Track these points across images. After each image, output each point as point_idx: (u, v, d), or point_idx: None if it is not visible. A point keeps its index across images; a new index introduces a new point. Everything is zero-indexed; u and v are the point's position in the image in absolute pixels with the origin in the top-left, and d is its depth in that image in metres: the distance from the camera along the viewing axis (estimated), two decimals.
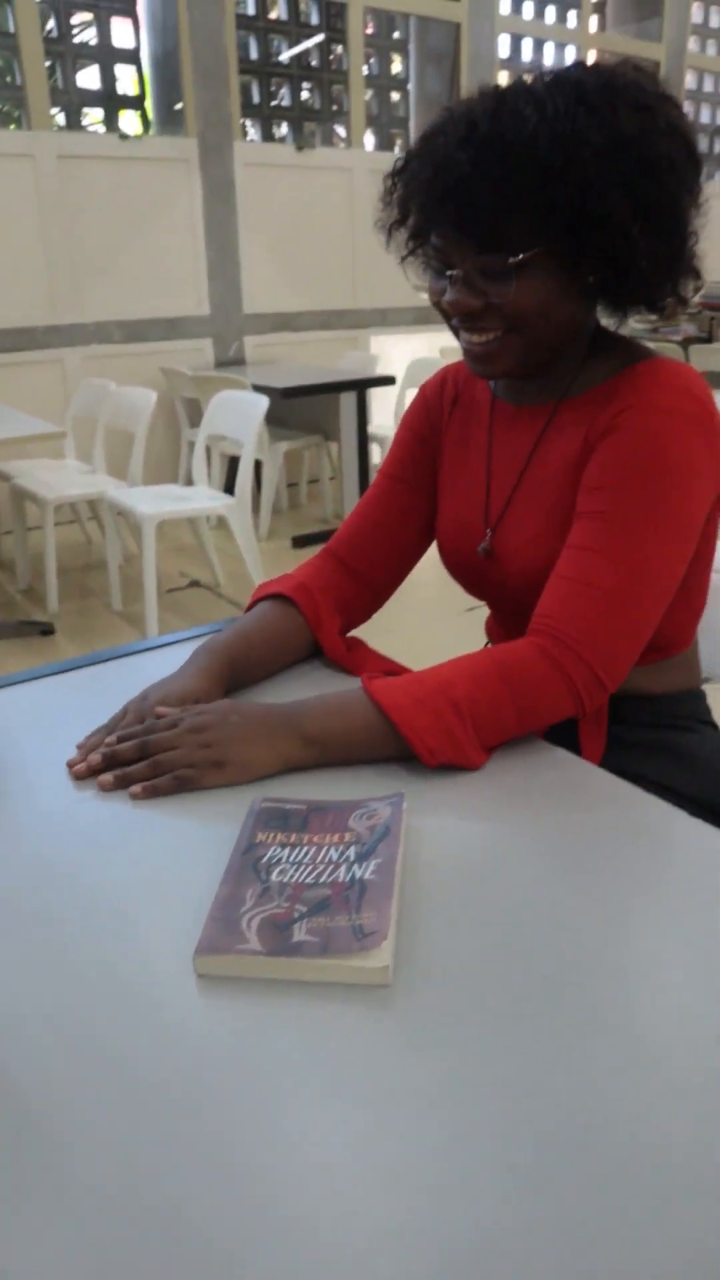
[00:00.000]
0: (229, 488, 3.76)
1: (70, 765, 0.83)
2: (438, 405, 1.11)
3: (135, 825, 0.77)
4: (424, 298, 0.96)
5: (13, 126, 5.38)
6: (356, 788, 0.80)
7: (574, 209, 0.82)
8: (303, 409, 4.51)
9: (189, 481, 4.72)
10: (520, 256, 0.85)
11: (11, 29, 4.80)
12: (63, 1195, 0.47)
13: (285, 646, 1.02)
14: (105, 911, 0.67)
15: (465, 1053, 0.54)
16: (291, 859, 0.68)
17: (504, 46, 6.30)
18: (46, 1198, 0.47)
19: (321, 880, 0.66)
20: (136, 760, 0.81)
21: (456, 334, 0.94)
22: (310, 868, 0.67)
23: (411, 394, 4.71)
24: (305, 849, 0.69)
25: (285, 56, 5.89)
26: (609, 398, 0.92)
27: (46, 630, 3.40)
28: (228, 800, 0.79)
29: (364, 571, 1.11)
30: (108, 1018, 0.58)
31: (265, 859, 0.68)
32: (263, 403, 3.26)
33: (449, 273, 0.89)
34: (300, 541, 4.37)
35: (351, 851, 0.69)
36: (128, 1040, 0.56)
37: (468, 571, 1.08)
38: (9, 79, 5.41)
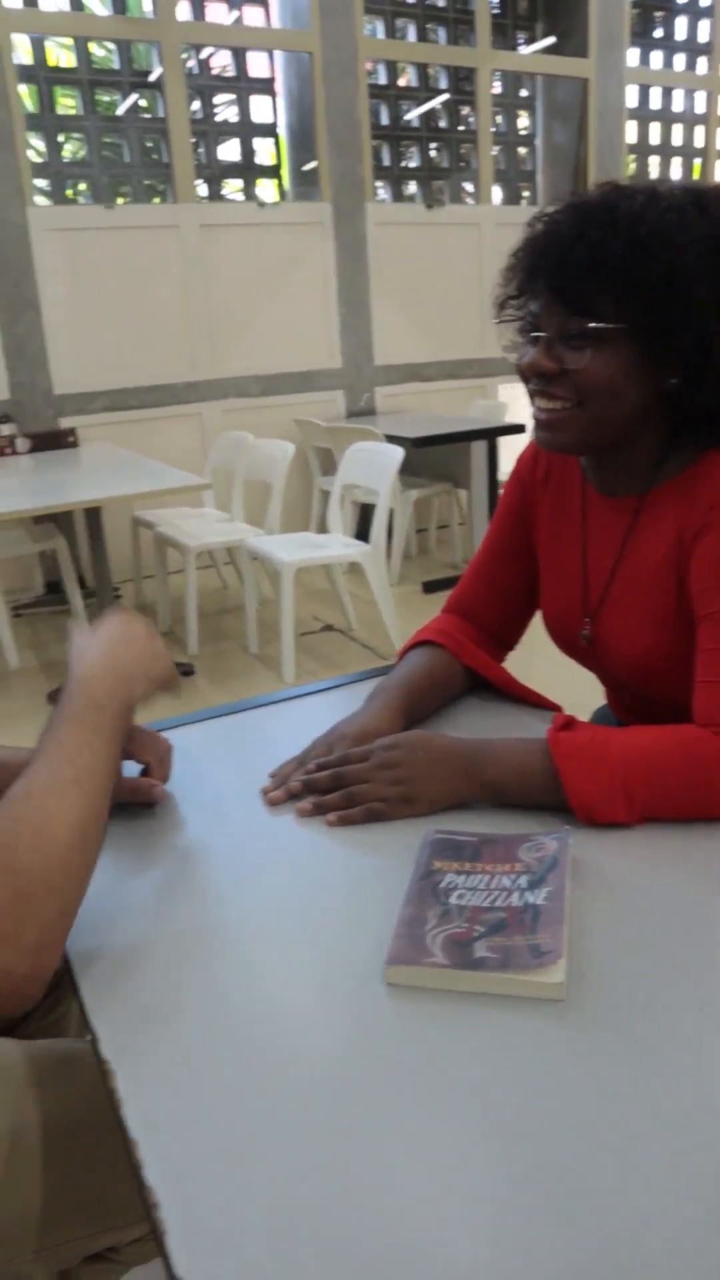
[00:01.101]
0: (359, 534, 3.88)
1: (265, 792, 0.93)
2: (530, 482, 1.15)
3: (320, 848, 0.85)
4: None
5: (156, 200, 5.74)
6: (515, 823, 0.86)
7: (660, 292, 0.87)
8: (432, 457, 4.63)
9: (320, 528, 4.87)
10: (601, 325, 0.89)
11: (162, 113, 5.16)
12: (255, 1172, 0.54)
13: (447, 684, 1.10)
14: (298, 925, 0.75)
15: (637, 1063, 0.59)
16: (467, 885, 0.75)
17: (631, 96, 6.37)
18: (241, 1173, 0.54)
19: (496, 905, 0.72)
20: (330, 789, 0.89)
21: (533, 400, 0.98)
22: (485, 893, 0.74)
23: None
24: (479, 876, 0.76)
25: (412, 116, 6.12)
26: (694, 489, 0.95)
27: (187, 671, 3.57)
28: (401, 828, 0.86)
29: (486, 625, 1.19)
30: (306, 1018, 0.65)
31: (443, 884, 0.75)
32: (398, 453, 3.37)
33: (535, 334, 0.95)
34: (430, 587, 4.46)
35: (523, 880, 0.75)
36: (324, 1039, 0.63)
37: (573, 651, 1.15)
38: (155, 156, 5.78)
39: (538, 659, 1.37)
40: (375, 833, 0.86)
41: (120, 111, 5.67)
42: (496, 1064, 0.60)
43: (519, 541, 1.17)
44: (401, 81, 6.35)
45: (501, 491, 1.20)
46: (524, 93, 6.60)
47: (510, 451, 4.86)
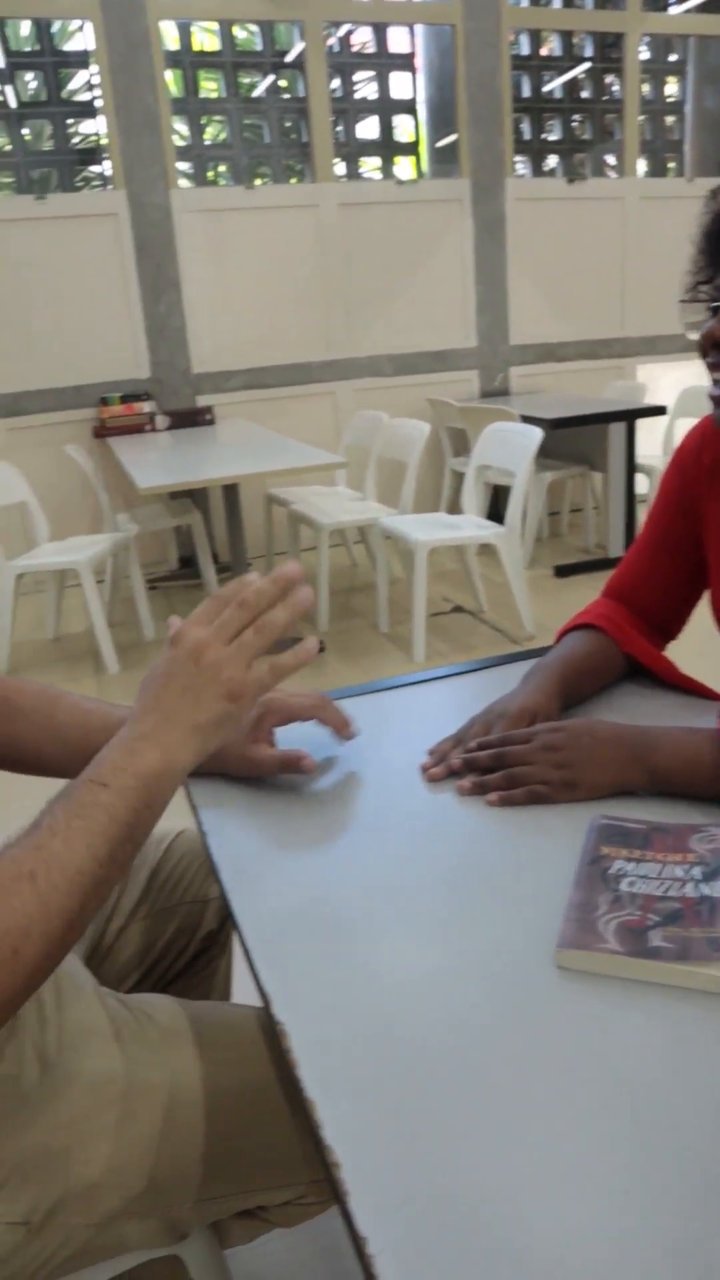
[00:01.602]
0: (490, 516, 3.84)
1: (425, 769, 0.93)
2: (695, 472, 1.09)
3: (481, 826, 0.84)
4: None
5: (293, 180, 5.78)
6: (679, 813, 0.83)
7: None
8: (568, 439, 4.53)
9: (450, 509, 4.85)
10: None
11: (302, 93, 5.18)
12: (425, 1141, 0.54)
13: (605, 669, 1.08)
14: (462, 900, 0.74)
15: None
16: (638, 872, 0.73)
17: None
18: (412, 1141, 0.54)
19: (670, 894, 0.70)
20: (492, 768, 0.89)
21: (712, 373, 0.93)
22: (657, 882, 0.72)
23: (681, 425, 4.60)
24: (650, 864, 0.74)
25: (554, 86, 5.96)
26: None
27: (320, 648, 3.62)
28: (562, 811, 0.85)
29: (647, 612, 1.15)
30: (472, 993, 0.65)
31: (612, 870, 0.74)
32: (536, 434, 3.31)
33: (715, 304, 0.90)
34: (563, 571, 4.38)
35: (697, 871, 0.72)
36: (491, 1015, 0.63)
37: None
38: (294, 136, 5.82)
39: (698, 648, 1.33)
40: (537, 815, 0.85)
41: (259, 93, 5.73)
42: (671, 1056, 0.58)
43: (680, 531, 1.13)
44: (544, 51, 6.20)
45: (660, 478, 1.16)
46: (673, 57, 6.35)
47: (650, 434, 4.73)
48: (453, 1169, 0.52)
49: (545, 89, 6.18)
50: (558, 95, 6.19)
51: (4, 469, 3.90)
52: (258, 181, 5.59)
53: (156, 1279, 1.09)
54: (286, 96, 5.83)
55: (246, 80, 5.81)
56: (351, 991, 0.66)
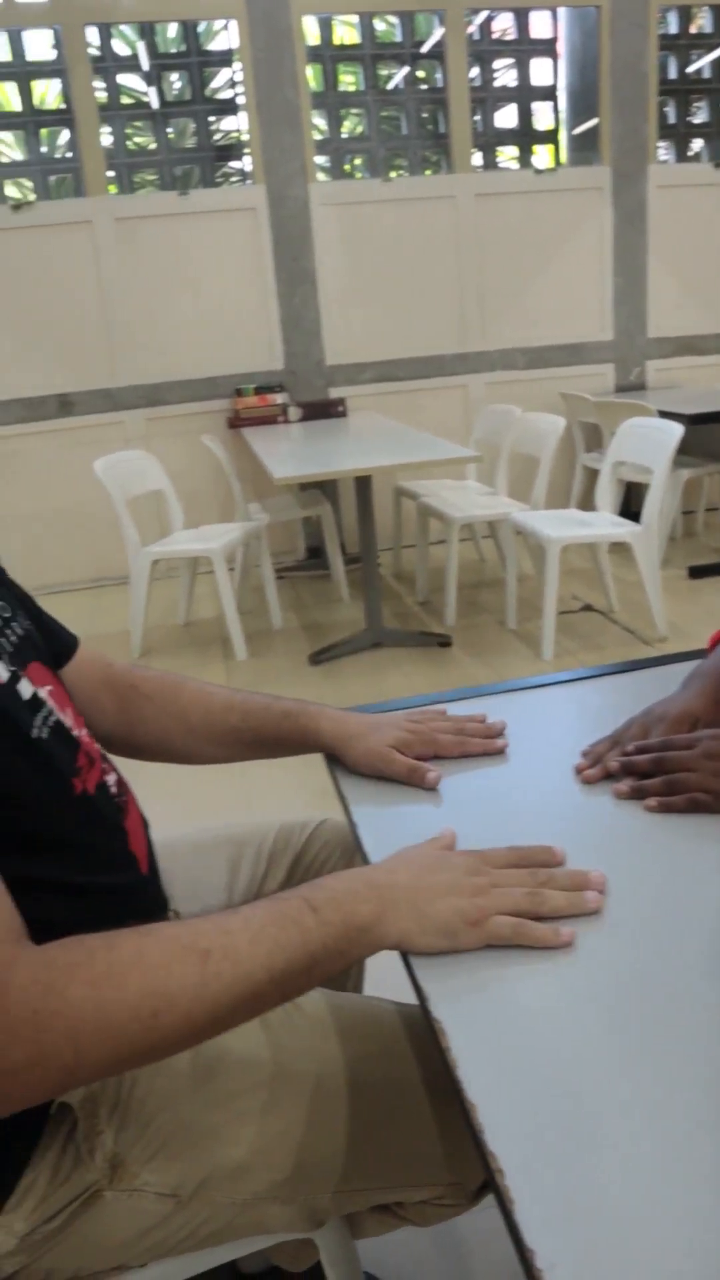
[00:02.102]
0: (621, 513, 3.74)
1: (579, 770, 0.91)
2: None
3: (637, 832, 0.81)
4: None
5: (428, 172, 5.75)
6: None
7: None
8: (705, 435, 4.37)
9: (581, 505, 4.75)
10: None
11: (441, 83, 5.15)
12: (599, 1156, 0.52)
13: None
14: (624, 905, 0.72)
15: None
16: None
17: None
18: (583, 1153, 0.52)
19: None
20: (651, 773, 0.86)
21: None
22: None
23: None
24: None
25: (702, 65, 5.74)
26: None
27: (445, 643, 3.60)
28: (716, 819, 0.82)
29: None
30: (638, 1001, 0.63)
31: None
32: (676, 430, 3.21)
33: None
34: (697, 572, 4.24)
35: None
36: (664, 1027, 0.60)
37: None
38: (431, 127, 5.78)
39: None
40: (698, 823, 0.82)
41: (393, 85, 5.71)
42: None
43: None
44: (693, 28, 5.97)
45: None
46: None
47: None
48: (625, 1186, 0.51)
49: (692, 69, 5.96)
50: (706, 75, 5.96)
51: (143, 458, 4.02)
52: (393, 174, 5.58)
53: (286, 1256, 1.11)
54: (424, 88, 5.80)
55: (384, 72, 5.81)
56: (510, 990, 0.65)
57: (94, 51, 4.74)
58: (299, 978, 0.67)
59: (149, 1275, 0.85)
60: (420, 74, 5.54)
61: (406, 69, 5.50)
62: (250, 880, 1.09)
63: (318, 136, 5.29)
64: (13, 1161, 0.74)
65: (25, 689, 0.79)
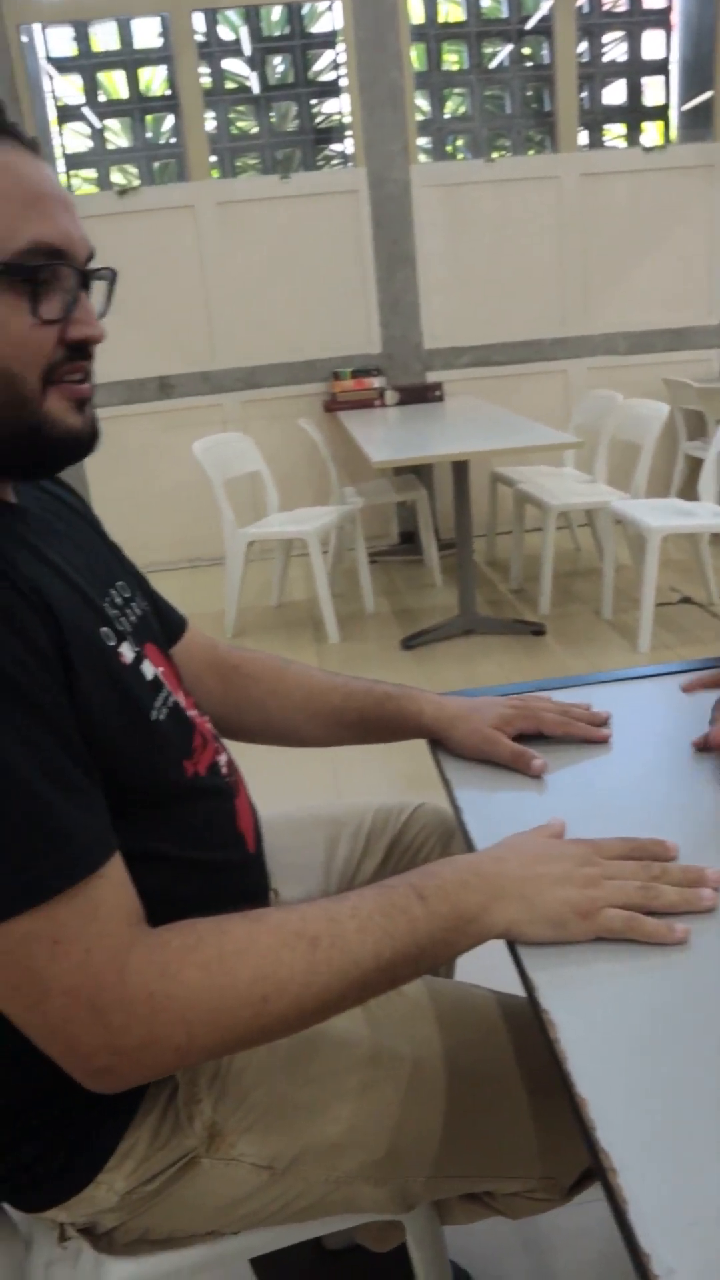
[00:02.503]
0: None
1: (696, 745, 0.88)
2: None
3: None
4: None
5: (531, 152, 5.63)
6: None
7: None
8: None
9: (682, 494, 4.62)
10: None
11: (547, 59, 5.04)
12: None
13: None
14: None
15: None
16: None
17: None
18: (703, 1158, 0.50)
19: None
20: None
21: None
22: None
23: None
24: None
25: None
26: None
27: (538, 631, 3.55)
28: None
29: None
30: None
31: None
32: None
33: None
34: None
35: None
36: None
37: None
38: (535, 106, 5.67)
39: None
40: None
41: (497, 63, 5.61)
42: None
43: None
44: None
45: None
46: None
47: None
48: None
49: None
50: None
51: (241, 440, 4.06)
52: (496, 154, 5.50)
53: (371, 1235, 1.11)
54: (529, 64, 5.69)
55: (489, 50, 5.71)
56: (622, 985, 0.63)
57: (200, 37, 4.78)
58: (406, 967, 0.66)
59: (240, 1243, 0.86)
60: (526, 50, 5.44)
61: (511, 46, 5.41)
62: (347, 861, 1.09)
63: (420, 117, 5.24)
64: (115, 1124, 0.76)
65: (148, 670, 0.80)
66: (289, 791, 2.37)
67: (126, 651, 0.76)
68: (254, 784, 0.96)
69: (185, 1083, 0.77)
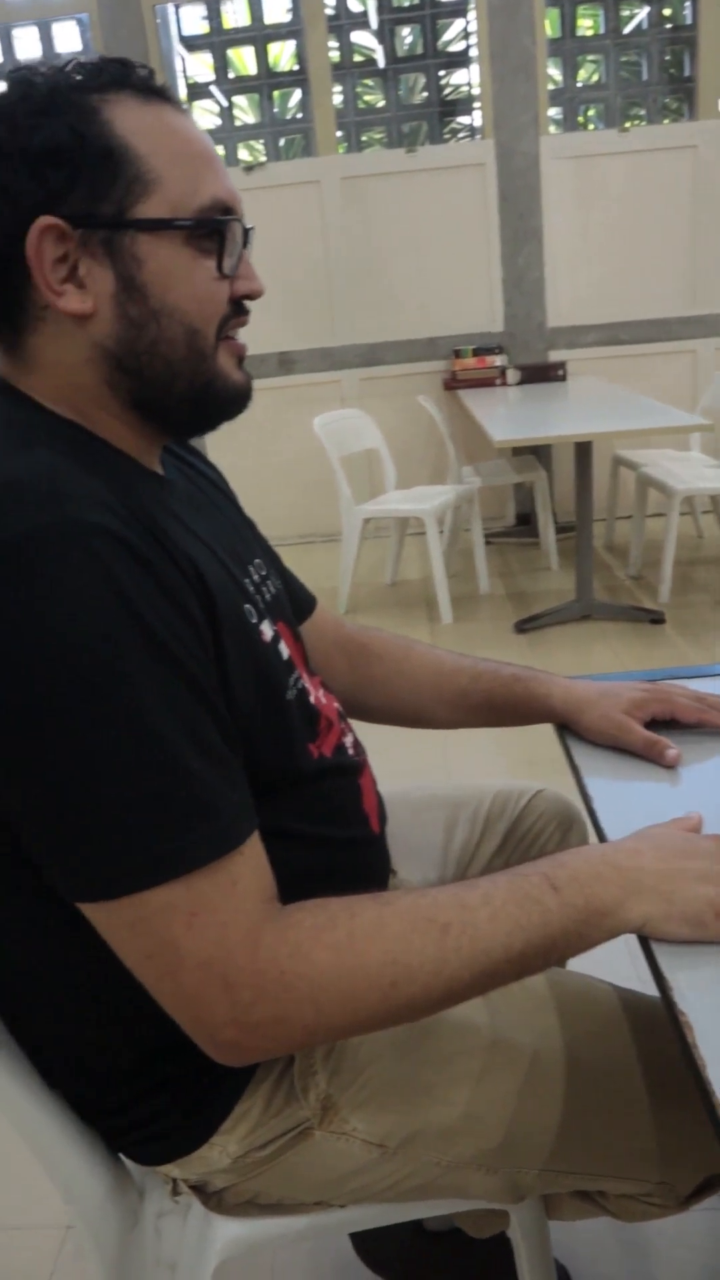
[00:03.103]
0: None
1: None
2: None
3: None
4: None
5: (667, 121, 5.41)
6: None
7: None
8: None
9: None
10: None
11: (689, 19, 4.83)
12: None
13: None
14: None
15: None
16: None
17: None
18: None
19: None
20: None
21: None
22: None
23: None
24: None
25: None
26: None
27: (657, 619, 3.44)
28: None
29: None
30: None
31: None
32: None
33: None
34: None
35: None
36: None
37: None
38: (673, 72, 5.44)
39: None
40: None
41: (632, 27, 5.40)
42: None
43: None
44: None
45: None
46: None
47: None
48: None
49: None
50: None
51: (359, 417, 4.06)
52: (629, 124, 5.31)
53: (472, 1221, 1.10)
54: (669, 26, 5.46)
55: (626, 13, 5.51)
56: None
57: (329, 10, 4.76)
58: (536, 959, 0.65)
59: (346, 1216, 0.86)
60: (666, 12, 5.22)
61: (649, 8, 5.19)
62: (465, 844, 1.07)
63: (551, 87, 5.09)
64: (231, 1089, 0.76)
65: (283, 650, 0.79)
66: (398, 770, 2.35)
67: (266, 629, 0.76)
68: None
69: (301, 1055, 0.78)
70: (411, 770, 2.43)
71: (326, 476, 3.74)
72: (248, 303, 0.74)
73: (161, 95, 0.69)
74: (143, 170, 0.66)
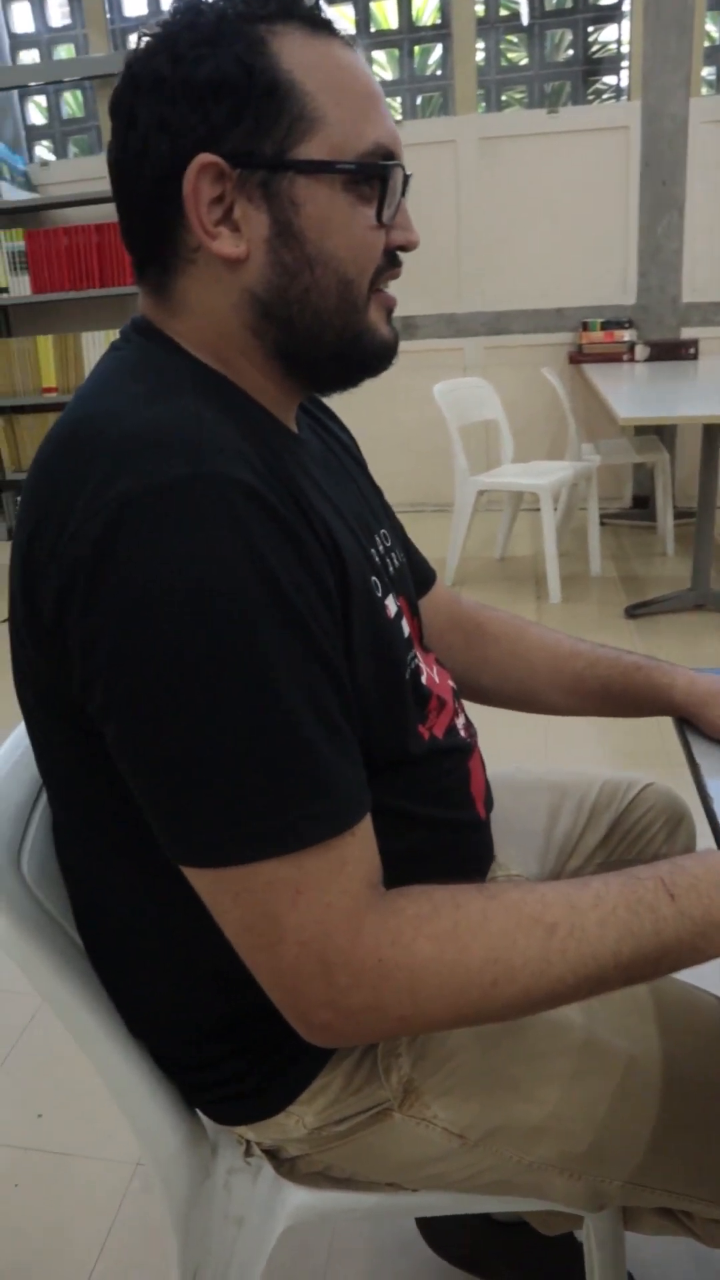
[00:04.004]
0: None
1: None
2: None
3: None
4: None
5: None
6: None
7: None
8: None
9: None
10: None
11: None
12: None
13: None
14: None
15: None
16: None
17: None
18: None
19: None
20: None
21: None
22: None
23: None
24: None
25: None
26: None
27: None
28: None
29: None
30: None
31: None
32: None
33: None
34: None
35: None
36: None
37: None
38: None
39: None
40: None
41: None
42: None
43: None
44: None
45: None
46: None
47: None
48: None
49: None
50: None
51: (481, 386, 3.97)
52: None
53: (540, 1217, 1.07)
54: None
55: None
56: None
57: None
58: (645, 968, 0.61)
59: (417, 1200, 0.85)
60: None
61: None
62: (569, 833, 1.03)
63: (706, 44, 4.84)
64: (312, 1062, 0.75)
65: (404, 627, 0.77)
66: (495, 753, 2.31)
67: (390, 604, 0.74)
68: None
69: None
70: (509, 754, 2.38)
71: (442, 445, 3.68)
72: (401, 254, 0.70)
73: (329, 28, 0.65)
74: (308, 108, 0.62)
